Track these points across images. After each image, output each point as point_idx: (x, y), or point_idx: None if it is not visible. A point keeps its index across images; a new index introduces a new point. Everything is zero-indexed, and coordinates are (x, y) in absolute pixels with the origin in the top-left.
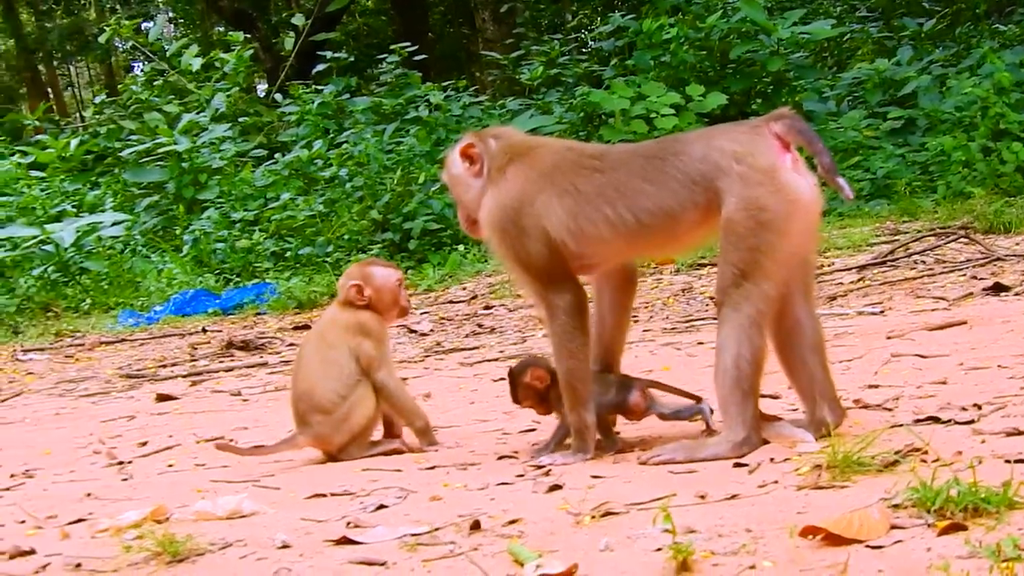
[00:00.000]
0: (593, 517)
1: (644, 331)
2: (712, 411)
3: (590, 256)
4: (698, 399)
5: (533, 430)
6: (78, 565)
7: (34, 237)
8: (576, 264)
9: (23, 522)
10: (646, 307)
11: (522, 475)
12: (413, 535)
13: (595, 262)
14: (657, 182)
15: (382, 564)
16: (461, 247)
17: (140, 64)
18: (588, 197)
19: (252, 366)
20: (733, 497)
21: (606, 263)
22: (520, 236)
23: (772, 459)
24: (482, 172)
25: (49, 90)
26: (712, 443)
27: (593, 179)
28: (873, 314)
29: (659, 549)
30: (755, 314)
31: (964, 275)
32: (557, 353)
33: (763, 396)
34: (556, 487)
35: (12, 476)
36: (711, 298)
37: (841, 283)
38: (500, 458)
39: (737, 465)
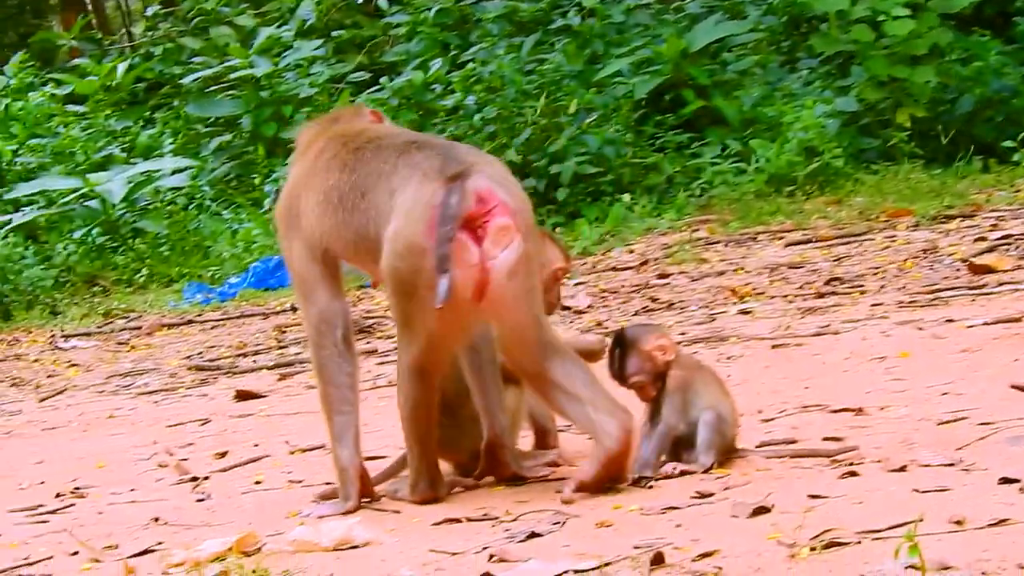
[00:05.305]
0: (813, 549)
1: (873, 306)
2: None
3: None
4: None
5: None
6: None
7: (74, 190)
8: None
9: (75, 554)
10: (875, 274)
11: (711, 494)
12: (576, 572)
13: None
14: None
15: None
16: (626, 196)
17: None
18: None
19: (357, 354)
20: (1000, 523)
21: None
22: None
23: None
24: None
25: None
26: None
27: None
28: None
29: None
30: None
31: None
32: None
33: None
34: (763, 509)
35: (58, 495)
36: (963, 260)
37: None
38: (683, 472)
39: (1004, 480)
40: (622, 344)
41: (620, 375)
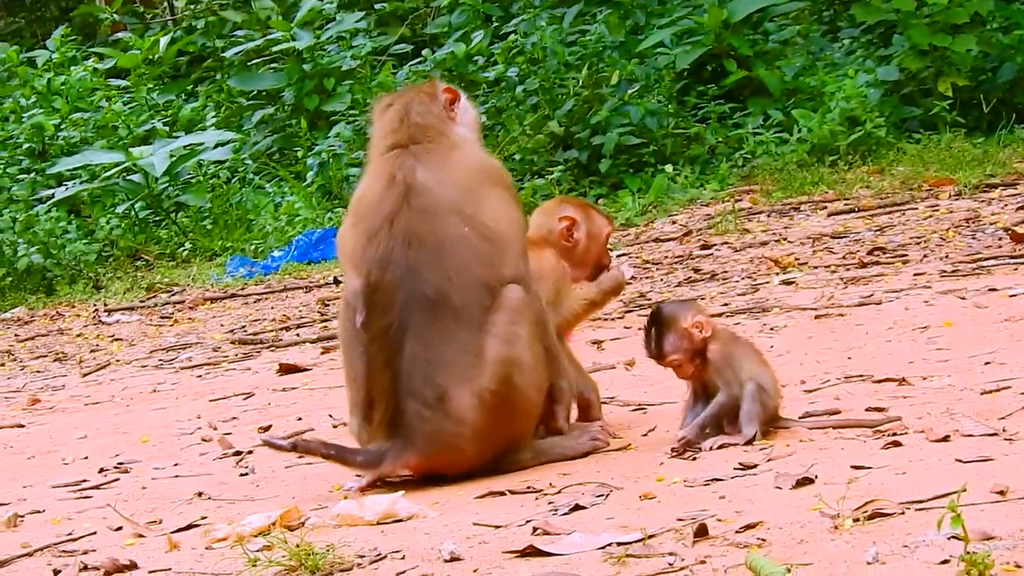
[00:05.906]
0: (856, 520)
1: (916, 275)
2: None
3: None
4: None
5: None
6: None
7: (117, 165)
8: None
9: (119, 529)
10: (918, 243)
11: (754, 465)
12: (620, 544)
13: None
14: None
15: None
16: (668, 167)
17: None
18: None
19: None
20: None
21: None
22: None
23: None
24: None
25: None
26: None
27: None
28: None
29: (946, 561)
30: None
31: None
32: None
33: None
34: (806, 480)
35: (102, 471)
36: (1005, 229)
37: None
38: (721, 446)
39: None
40: (658, 322)
41: (658, 354)
